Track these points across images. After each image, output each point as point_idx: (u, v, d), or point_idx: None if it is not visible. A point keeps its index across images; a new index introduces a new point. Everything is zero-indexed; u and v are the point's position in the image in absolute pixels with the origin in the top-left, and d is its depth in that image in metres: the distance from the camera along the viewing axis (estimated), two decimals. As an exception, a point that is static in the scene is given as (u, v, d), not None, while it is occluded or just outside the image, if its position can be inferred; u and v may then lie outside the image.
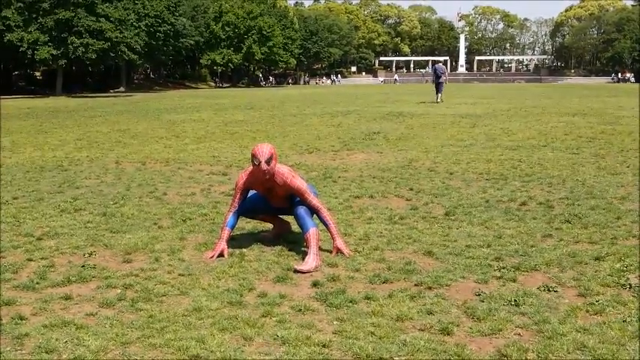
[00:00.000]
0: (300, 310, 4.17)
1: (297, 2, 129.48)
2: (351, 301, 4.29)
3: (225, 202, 7.58)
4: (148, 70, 78.70)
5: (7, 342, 3.72)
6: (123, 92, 57.15)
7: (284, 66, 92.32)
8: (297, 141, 14.18)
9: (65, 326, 3.92)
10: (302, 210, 5.51)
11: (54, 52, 48.59)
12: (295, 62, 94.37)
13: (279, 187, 5.56)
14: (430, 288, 4.53)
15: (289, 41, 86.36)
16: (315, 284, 4.66)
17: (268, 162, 5.32)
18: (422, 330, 3.82)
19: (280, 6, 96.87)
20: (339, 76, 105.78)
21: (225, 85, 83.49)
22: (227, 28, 77.30)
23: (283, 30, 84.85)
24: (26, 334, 3.81)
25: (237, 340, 3.71)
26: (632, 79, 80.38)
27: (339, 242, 5.46)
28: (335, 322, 3.96)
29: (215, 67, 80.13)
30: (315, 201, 5.54)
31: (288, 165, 10.40)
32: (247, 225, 6.46)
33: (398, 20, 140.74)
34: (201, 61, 79.52)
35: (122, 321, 3.99)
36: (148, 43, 58.64)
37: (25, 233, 6.18)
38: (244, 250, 5.53)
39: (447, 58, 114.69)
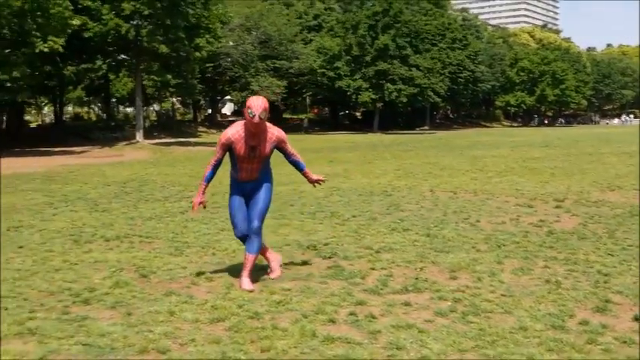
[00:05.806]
0: (625, 342, 3.81)
1: (589, 47, 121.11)
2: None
3: (534, 232, 7.30)
4: (448, 111, 79.62)
5: (363, 335, 3.98)
6: (427, 130, 58.71)
7: (574, 107, 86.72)
8: (596, 178, 13.11)
9: (409, 328, 4.07)
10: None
11: (373, 96, 51.83)
12: (586, 103, 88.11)
13: (266, 143, 5.10)
14: None
15: (581, 84, 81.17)
16: (636, 318, 4.23)
17: (263, 116, 4.88)
18: None
19: (573, 52, 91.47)
20: (630, 116, 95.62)
21: (515, 124, 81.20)
22: (521, 73, 75.69)
23: (576, 73, 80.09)
24: (378, 331, 4.04)
25: (566, 363, 3.51)
26: None
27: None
28: (665, 360, 3.54)
29: (508, 108, 78.42)
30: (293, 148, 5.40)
31: (591, 201, 9.71)
32: (539, 254, 6.12)
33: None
34: (496, 102, 78.52)
35: (456, 330, 4.03)
36: (451, 87, 59.57)
37: (366, 246, 6.59)
38: (559, 278, 5.24)
39: None
